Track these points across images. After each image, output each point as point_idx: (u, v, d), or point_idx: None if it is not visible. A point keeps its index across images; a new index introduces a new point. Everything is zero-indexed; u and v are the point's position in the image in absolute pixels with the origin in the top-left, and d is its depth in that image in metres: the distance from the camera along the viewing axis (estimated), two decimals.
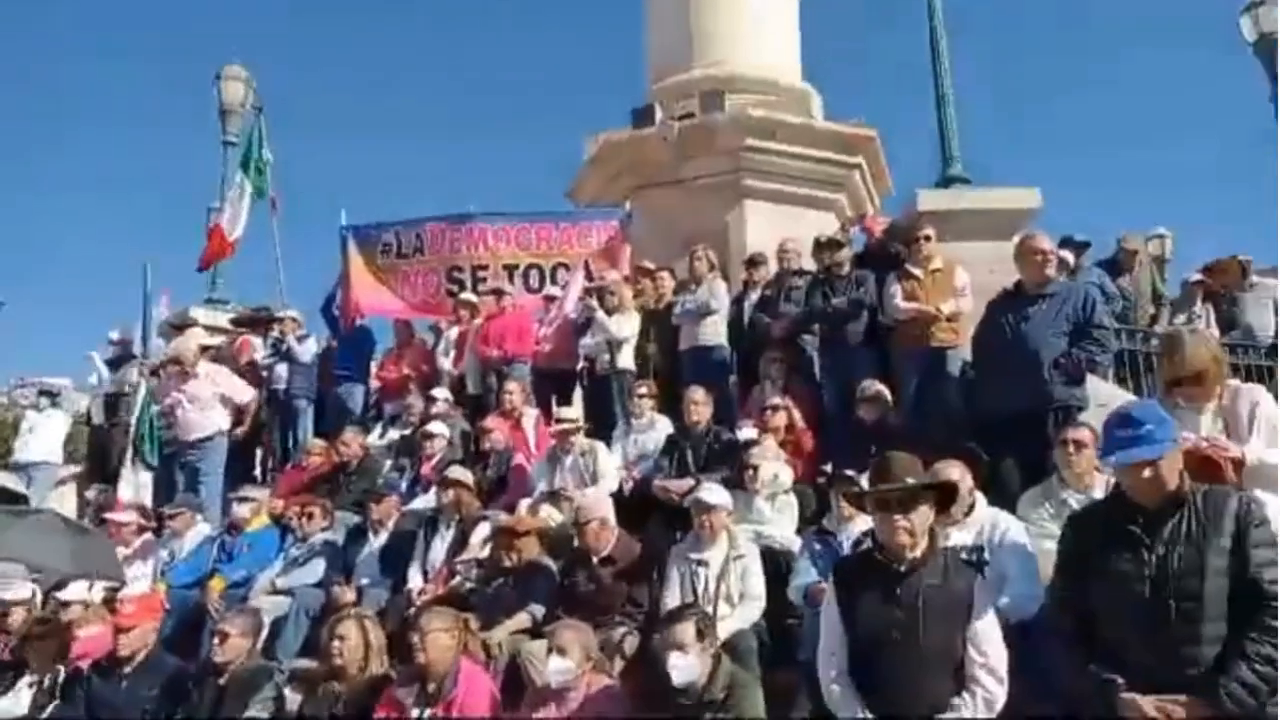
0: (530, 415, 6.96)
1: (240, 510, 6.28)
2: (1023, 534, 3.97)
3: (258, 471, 8.79)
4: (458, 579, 5.16)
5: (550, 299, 8.14)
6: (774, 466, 5.35)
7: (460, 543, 5.39)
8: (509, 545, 4.94)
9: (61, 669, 4.83)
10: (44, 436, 9.61)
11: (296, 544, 6.00)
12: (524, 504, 5.80)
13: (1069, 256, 7.56)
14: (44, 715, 4.68)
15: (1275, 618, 2.58)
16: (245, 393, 7.91)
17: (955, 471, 3.88)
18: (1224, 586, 2.63)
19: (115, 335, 9.92)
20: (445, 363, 8.14)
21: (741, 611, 4.37)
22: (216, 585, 5.72)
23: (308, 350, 8.63)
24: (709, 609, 4.22)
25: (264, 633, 4.99)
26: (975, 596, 3.01)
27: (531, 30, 44.95)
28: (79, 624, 5.25)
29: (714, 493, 4.71)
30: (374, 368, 8.85)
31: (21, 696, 4.78)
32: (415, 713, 3.82)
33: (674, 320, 7.45)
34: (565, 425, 6.07)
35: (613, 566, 4.68)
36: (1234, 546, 2.66)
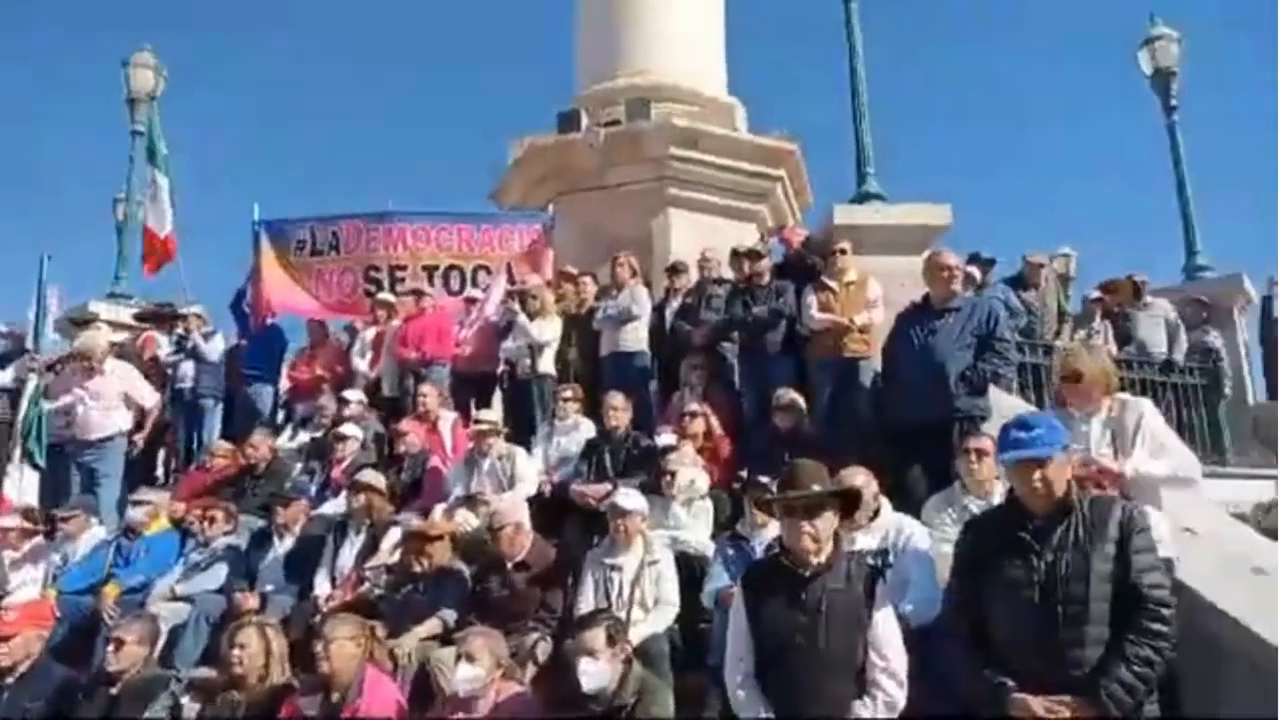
0: (447, 418, 6.87)
1: (135, 514, 6.02)
2: (926, 539, 4.12)
3: (160, 473, 8.46)
4: (366, 585, 5.04)
5: (471, 301, 8.07)
6: (691, 472, 5.40)
7: (370, 548, 5.27)
8: (420, 550, 4.86)
9: None
10: None
11: (198, 549, 5.78)
12: (439, 508, 5.73)
13: (976, 272, 7.85)
14: None
15: (1154, 621, 2.72)
16: (151, 397, 7.60)
17: (860, 478, 4.00)
18: (1108, 591, 2.76)
19: (3, 328, 9.40)
20: (361, 364, 7.96)
21: (654, 616, 4.39)
22: (111, 591, 5.48)
23: (215, 348, 8.34)
24: (623, 614, 4.24)
25: (161, 640, 4.82)
26: (876, 601, 3.09)
27: (458, 32, 44.27)
28: None
29: (629, 498, 4.73)
30: (285, 368, 8.60)
31: None
32: None
33: (595, 325, 7.47)
34: (483, 426, 6.01)
35: (527, 571, 4.66)
36: (1118, 553, 2.80)
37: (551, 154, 10.12)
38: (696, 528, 5.14)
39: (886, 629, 3.08)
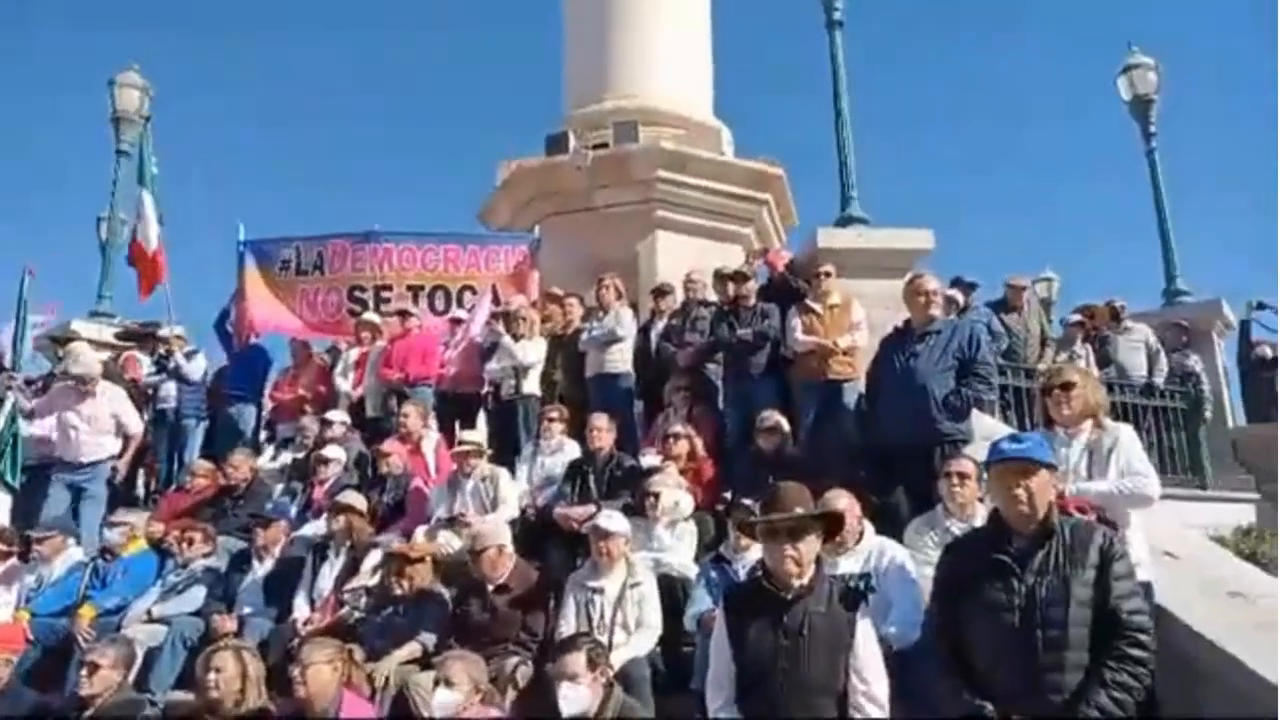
0: (431, 439, 6.83)
1: (112, 535, 5.95)
2: (908, 562, 4.12)
3: (140, 493, 8.36)
4: (346, 608, 5.00)
5: (456, 322, 8.05)
6: (674, 494, 5.38)
7: (351, 570, 5.22)
8: (401, 572, 4.81)
9: None
10: None
11: (176, 570, 5.71)
12: (421, 530, 5.69)
13: (958, 296, 7.91)
14: None
15: (1134, 647, 2.73)
16: (137, 424, 7.50)
17: (843, 501, 4.01)
18: (1087, 616, 2.77)
19: None
20: (344, 384, 7.92)
21: (636, 640, 4.36)
22: (86, 613, 5.39)
23: (197, 368, 8.29)
24: (604, 637, 4.22)
25: (137, 664, 4.74)
26: (858, 625, 3.09)
27: (446, 54, 44.54)
28: None
29: (612, 520, 4.71)
30: (269, 388, 8.55)
31: None
32: None
33: (580, 347, 7.47)
34: (466, 448, 5.99)
35: (508, 594, 4.62)
36: (1098, 578, 2.81)
37: (539, 176, 10.19)
38: (680, 550, 5.12)
39: (868, 652, 3.08)
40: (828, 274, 6.65)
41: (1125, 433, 3.89)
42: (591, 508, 5.38)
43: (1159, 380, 8.67)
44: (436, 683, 3.73)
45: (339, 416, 7.28)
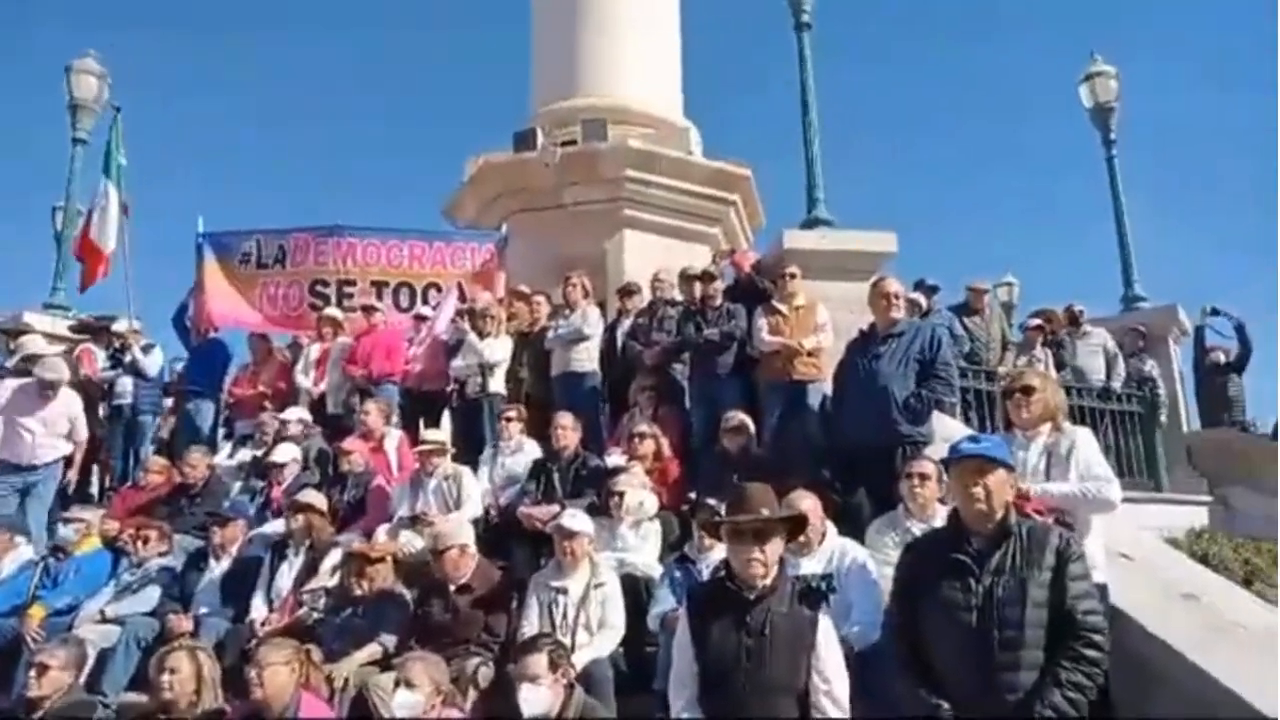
0: (393, 437, 6.77)
1: (66, 532, 5.82)
2: (869, 563, 4.16)
3: (94, 490, 8.19)
4: (304, 609, 4.92)
5: (421, 318, 7.98)
6: (639, 494, 5.38)
7: (310, 570, 5.15)
8: (361, 572, 4.76)
9: None
10: None
11: (130, 569, 5.59)
12: (382, 529, 5.62)
13: (921, 299, 7.99)
14: None
15: (1088, 647, 2.77)
16: (86, 431, 7.31)
17: (808, 503, 4.03)
18: (1043, 617, 2.80)
19: None
20: (305, 381, 7.81)
21: (599, 640, 4.35)
22: (36, 613, 5.25)
23: (154, 362, 8.12)
24: (567, 638, 4.20)
25: (88, 665, 4.64)
26: (819, 625, 3.10)
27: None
28: None
29: (576, 519, 4.69)
30: (228, 383, 8.39)
31: None
32: None
33: (547, 345, 7.44)
34: (429, 446, 5.93)
35: (470, 594, 4.58)
36: (1053, 579, 2.84)
37: (507, 172, 10.12)
38: (644, 550, 5.11)
39: (829, 652, 3.09)
40: (793, 275, 6.69)
41: (1083, 435, 3.95)
42: (555, 507, 5.36)
43: (1117, 384, 8.83)
44: (397, 684, 3.68)
45: (295, 414, 7.17)
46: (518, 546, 5.49)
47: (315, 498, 5.53)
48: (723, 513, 3.49)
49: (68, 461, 7.13)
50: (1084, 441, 3.88)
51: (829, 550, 4.19)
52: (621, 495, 5.20)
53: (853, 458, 5.24)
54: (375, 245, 8.38)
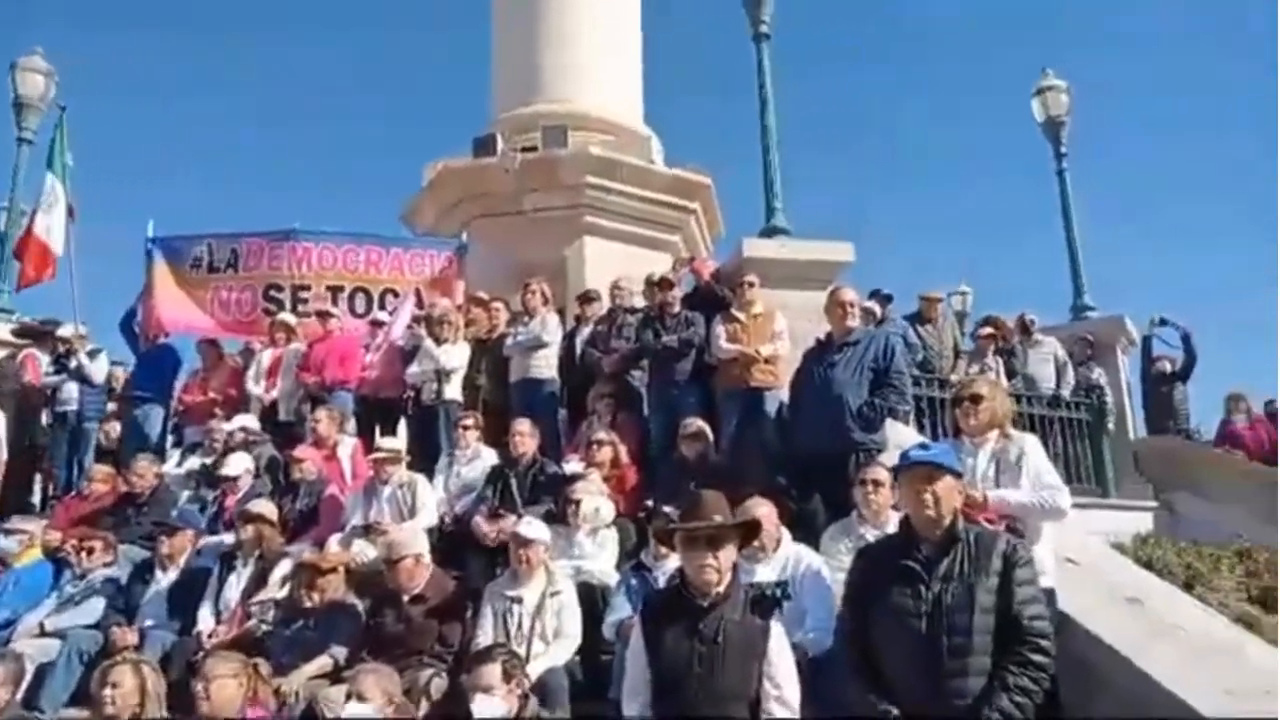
0: (347, 444, 6.67)
1: (6, 543, 5.66)
2: (824, 569, 4.19)
3: (36, 500, 7.96)
4: (253, 620, 4.83)
5: (377, 324, 7.88)
6: (596, 501, 5.36)
7: (259, 581, 5.05)
8: (311, 583, 4.67)
9: None
10: None
11: (73, 581, 5.45)
12: (335, 539, 5.54)
13: (876, 307, 8.08)
14: None
15: (1035, 652, 2.81)
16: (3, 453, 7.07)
17: (763, 509, 4.06)
18: (991, 623, 2.84)
19: None
20: (256, 388, 7.67)
21: (554, 649, 4.32)
22: None
23: (100, 368, 7.93)
24: (522, 647, 4.17)
25: (26, 680, 4.51)
26: (771, 632, 3.12)
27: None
28: None
29: (532, 527, 4.66)
30: (177, 389, 8.21)
31: None
32: None
33: (505, 352, 7.39)
34: (383, 454, 5.86)
35: (424, 604, 4.52)
36: (1000, 585, 2.88)
37: (466, 178, 10.07)
38: (601, 557, 5.10)
39: (781, 659, 3.10)
40: (751, 284, 6.73)
41: (1030, 442, 4.03)
42: (509, 520, 5.31)
43: (1066, 392, 8.99)
44: (348, 697, 3.64)
45: (239, 422, 7.03)
46: (473, 556, 5.44)
47: (265, 507, 5.42)
48: (677, 520, 3.50)
49: None
50: (1032, 449, 3.95)
51: (784, 557, 4.22)
52: (579, 502, 5.18)
53: (808, 465, 5.28)
54: (331, 250, 8.28)
